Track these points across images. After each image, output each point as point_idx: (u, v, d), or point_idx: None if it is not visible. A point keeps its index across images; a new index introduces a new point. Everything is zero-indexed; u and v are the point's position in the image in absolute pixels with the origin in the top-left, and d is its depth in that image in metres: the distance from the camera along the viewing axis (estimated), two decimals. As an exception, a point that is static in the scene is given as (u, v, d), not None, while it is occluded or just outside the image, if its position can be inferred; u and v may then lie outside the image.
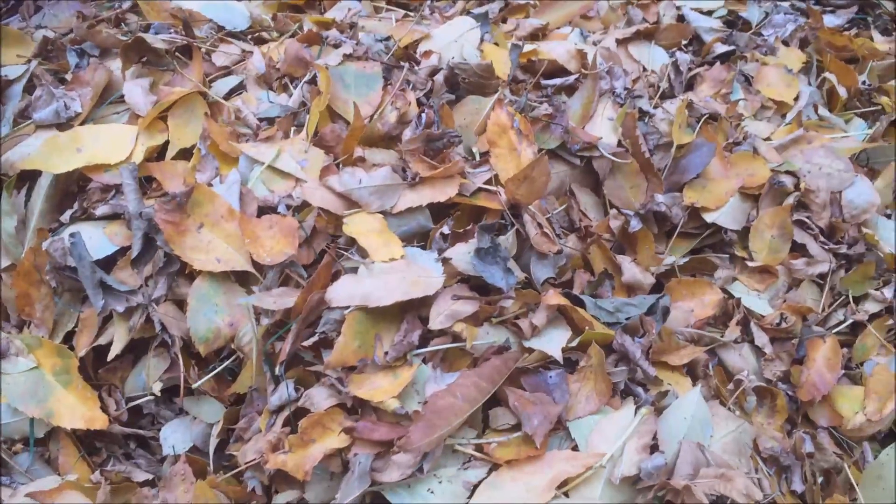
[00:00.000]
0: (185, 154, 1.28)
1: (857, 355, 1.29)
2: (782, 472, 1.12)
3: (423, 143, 1.20)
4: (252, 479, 1.08)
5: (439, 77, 1.36)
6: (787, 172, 1.38)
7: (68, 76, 1.39)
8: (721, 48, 1.65)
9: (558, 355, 1.06)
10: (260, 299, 1.09)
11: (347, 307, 1.04)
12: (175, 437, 1.20)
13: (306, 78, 1.37)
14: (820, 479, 1.15)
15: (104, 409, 1.16)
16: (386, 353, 1.04)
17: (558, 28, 1.66)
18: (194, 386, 1.14)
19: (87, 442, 1.20)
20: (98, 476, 1.14)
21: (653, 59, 1.59)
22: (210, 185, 1.18)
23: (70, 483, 1.10)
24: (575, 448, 1.01)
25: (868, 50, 1.69)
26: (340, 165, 1.21)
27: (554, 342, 1.08)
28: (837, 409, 1.23)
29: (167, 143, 1.29)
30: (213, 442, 1.15)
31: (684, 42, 1.67)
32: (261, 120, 1.31)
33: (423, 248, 1.16)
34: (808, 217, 1.36)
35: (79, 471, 1.16)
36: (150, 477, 1.17)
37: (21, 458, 1.16)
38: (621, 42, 1.61)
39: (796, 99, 1.56)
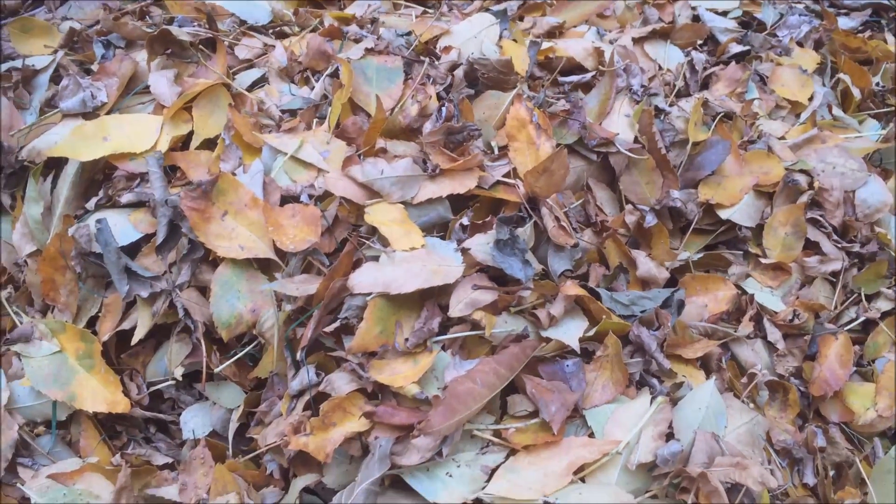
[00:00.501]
0: (208, 144, 1.30)
1: (868, 352, 1.31)
2: (794, 464, 1.14)
3: (443, 135, 1.22)
4: (271, 462, 1.10)
5: (459, 72, 1.38)
6: (802, 171, 1.39)
7: (94, 67, 1.41)
8: (736, 48, 1.66)
9: (575, 345, 1.08)
10: (283, 286, 1.11)
11: (369, 294, 1.06)
12: (195, 421, 1.22)
13: (328, 71, 1.39)
14: (831, 473, 1.17)
15: (126, 393, 1.18)
16: (406, 339, 1.05)
17: (575, 27, 1.68)
18: (216, 371, 1.16)
19: (108, 425, 1.22)
20: (118, 459, 1.16)
21: (668, 58, 1.61)
22: (234, 174, 1.20)
23: (91, 465, 1.12)
24: (591, 435, 1.03)
25: (882, 52, 1.70)
26: (362, 156, 1.23)
27: (571, 332, 1.10)
28: (849, 405, 1.24)
29: (191, 133, 1.31)
30: (233, 426, 1.17)
31: (699, 42, 1.68)
32: (283, 112, 1.33)
33: (443, 238, 1.17)
34: (821, 215, 1.37)
35: (100, 454, 1.18)
36: (170, 460, 1.19)
37: (43, 441, 1.17)
38: (637, 41, 1.62)
39: (811, 99, 1.57)
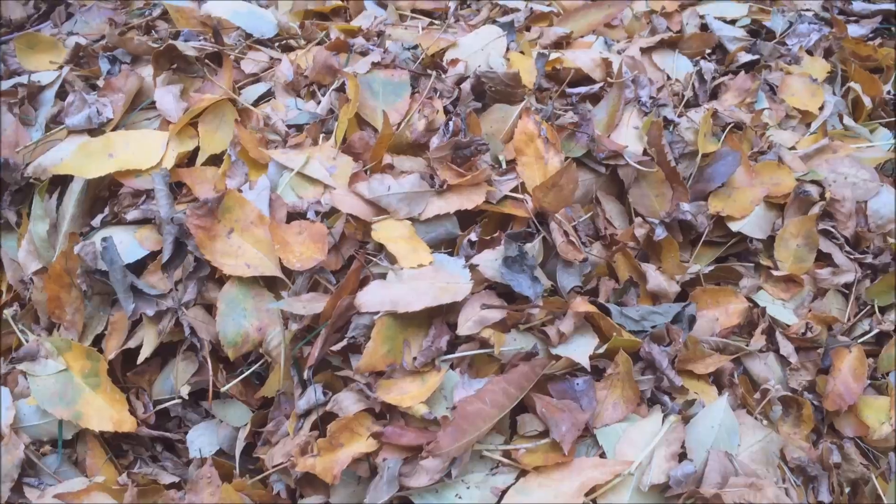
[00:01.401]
0: (214, 160, 1.30)
1: (882, 366, 1.29)
2: (809, 482, 1.12)
3: (450, 150, 1.21)
4: (278, 482, 1.09)
5: (466, 85, 1.36)
6: (813, 182, 1.38)
7: (100, 82, 1.41)
8: (745, 57, 1.65)
9: (586, 363, 1.06)
10: (290, 304, 1.10)
11: (377, 312, 1.05)
12: (202, 440, 1.21)
13: (334, 85, 1.38)
14: (847, 490, 1.15)
15: (132, 411, 1.17)
16: (414, 358, 1.04)
17: (582, 37, 1.67)
18: (223, 389, 1.15)
19: (114, 444, 1.21)
20: (125, 478, 1.14)
21: (677, 68, 1.59)
22: (240, 190, 1.19)
23: (97, 485, 1.11)
24: (602, 455, 1.02)
25: (892, 60, 1.68)
26: (369, 172, 1.22)
27: (581, 349, 1.08)
28: (863, 420, 1.22)
29: (197, 149, 1.30)
30: (240, 445, 1.16)
31: (708, 51, 1.67)
32: (289, 127, 1.32)
33: (451, 254, 1.16)
34: (833, 226, 1.35)
35: (106, 473, 1.17)
36: (177, 480, 1.18)
37: (49, 460, 1.17)
38: (645, 51, 1.61)
39: (821, 108, 1.55)
